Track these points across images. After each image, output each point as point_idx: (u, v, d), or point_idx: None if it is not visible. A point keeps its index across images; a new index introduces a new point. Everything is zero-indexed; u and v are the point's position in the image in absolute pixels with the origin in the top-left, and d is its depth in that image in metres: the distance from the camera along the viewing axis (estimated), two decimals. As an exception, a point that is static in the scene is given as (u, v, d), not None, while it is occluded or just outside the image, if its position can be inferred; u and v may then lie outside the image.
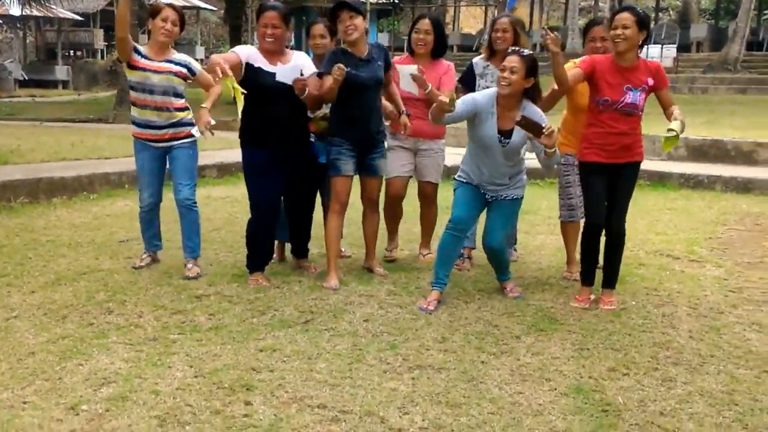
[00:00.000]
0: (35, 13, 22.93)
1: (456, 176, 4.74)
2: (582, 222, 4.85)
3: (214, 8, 30.81)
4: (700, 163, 10.01)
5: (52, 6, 22.20)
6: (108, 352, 3.68)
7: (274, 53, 4.71)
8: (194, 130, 4.97)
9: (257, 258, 4.97)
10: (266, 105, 4.64)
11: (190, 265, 5.08)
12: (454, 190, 4.71)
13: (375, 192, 5.16)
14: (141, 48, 4.98)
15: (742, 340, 4.06)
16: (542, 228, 6.77)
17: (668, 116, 4.43)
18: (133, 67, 4.91)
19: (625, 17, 4.33)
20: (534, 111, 4.41)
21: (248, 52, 4.69)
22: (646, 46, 4.58)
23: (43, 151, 9.63)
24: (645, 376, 3.54)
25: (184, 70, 5.02)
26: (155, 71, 4.91)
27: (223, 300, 4.51)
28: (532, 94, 4.45)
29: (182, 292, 4.63)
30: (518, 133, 4.40)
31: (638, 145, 4.52)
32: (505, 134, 4.44)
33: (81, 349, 3.70)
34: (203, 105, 4.76)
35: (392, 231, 5.72)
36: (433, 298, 4.52)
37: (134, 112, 5.03)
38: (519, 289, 4.82)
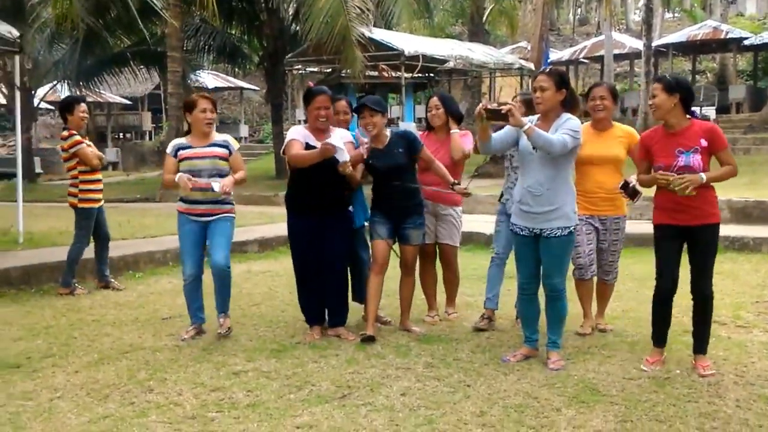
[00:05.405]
0: (86, 98, 24.04)
1: (510, 221, 4.88)
2: (594, 279, 5.35)
3: (257, 88, 31.77)
4: (745, 225, 9.81)
5: (102, 92, 23.14)
6: (147, 431, 3.71)
7: (321, 130, 5.24)
8: (215, 186, 5.22)
9: (309, 314, 5.46)
10: (312, 174, 5.17)
11: (222, 320, 5.41)
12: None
13: (409, 258, 5.55)
14: (183, 141, 5.34)
15: (793, 409, 3.92)
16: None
17: None
18: (180, 161, 5.30)
19: (655, 87, 4.50)
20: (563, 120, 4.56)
21: (302, 134, 5.29)
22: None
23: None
24: (691, 449, 3.44)
25: (226, 151, 5.38)
26: (201, 157, 5.29)
27: (261, 376, 4.53)
28: (570, 102, 4.61)
29: (221, 369, 4.67)
30: None
31: (705, 206, 4.48)
32: None
33: (121, 429, 3.74)
34: (234, 176, 5.38)
35: (430, 296, 6.02)
36: (519, 351, 4.85)
37: (182, 192, 5.35)
38: (562, 362, 4.68)
